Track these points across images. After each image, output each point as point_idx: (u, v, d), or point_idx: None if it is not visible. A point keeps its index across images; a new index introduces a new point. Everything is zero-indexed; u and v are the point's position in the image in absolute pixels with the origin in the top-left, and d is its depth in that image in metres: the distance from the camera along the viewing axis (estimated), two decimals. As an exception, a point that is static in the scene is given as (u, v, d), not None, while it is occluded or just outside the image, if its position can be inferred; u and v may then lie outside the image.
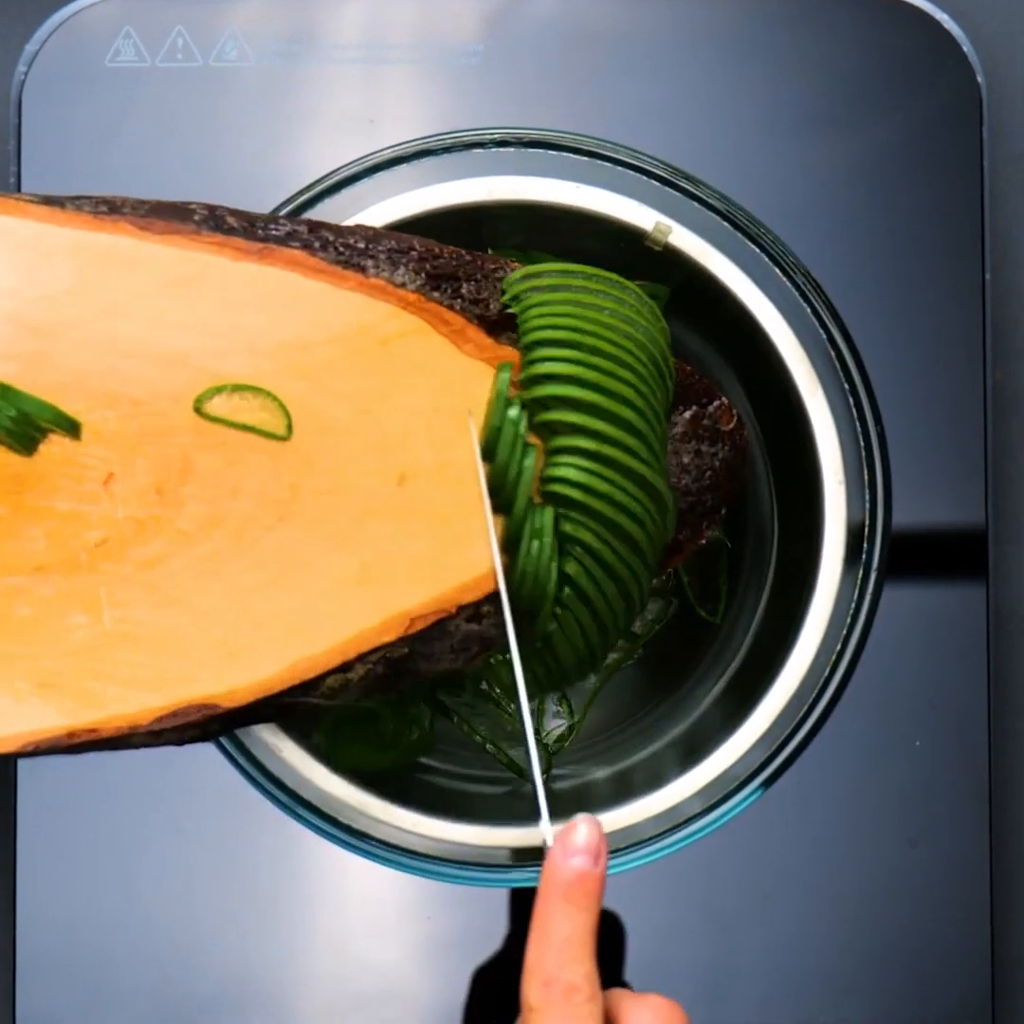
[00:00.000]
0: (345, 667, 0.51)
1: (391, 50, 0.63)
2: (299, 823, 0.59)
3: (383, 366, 0.51)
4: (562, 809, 0.60)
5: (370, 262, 0.51)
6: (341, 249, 0.51)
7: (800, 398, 0.59)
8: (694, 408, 0.55)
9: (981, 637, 0.62)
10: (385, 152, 0.59)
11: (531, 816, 0.59)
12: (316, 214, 0.58)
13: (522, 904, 0.62)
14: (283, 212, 0.58)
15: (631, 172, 0.59)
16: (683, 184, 0.60)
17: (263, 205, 0.59)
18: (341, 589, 0.51)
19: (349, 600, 0.51)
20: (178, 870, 0.62)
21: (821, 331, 0.59)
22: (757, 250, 0.59)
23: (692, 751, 0.59)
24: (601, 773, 0.62)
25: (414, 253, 0.52)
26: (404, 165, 0.59)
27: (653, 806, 0.59)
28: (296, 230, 0.51)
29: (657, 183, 0.59)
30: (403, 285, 0.51)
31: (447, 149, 0.59)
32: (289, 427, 0.50)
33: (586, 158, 0.60)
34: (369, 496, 0.51)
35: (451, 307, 0.52)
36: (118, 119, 0.63)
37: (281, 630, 0.50)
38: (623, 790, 0.60)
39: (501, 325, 0.52)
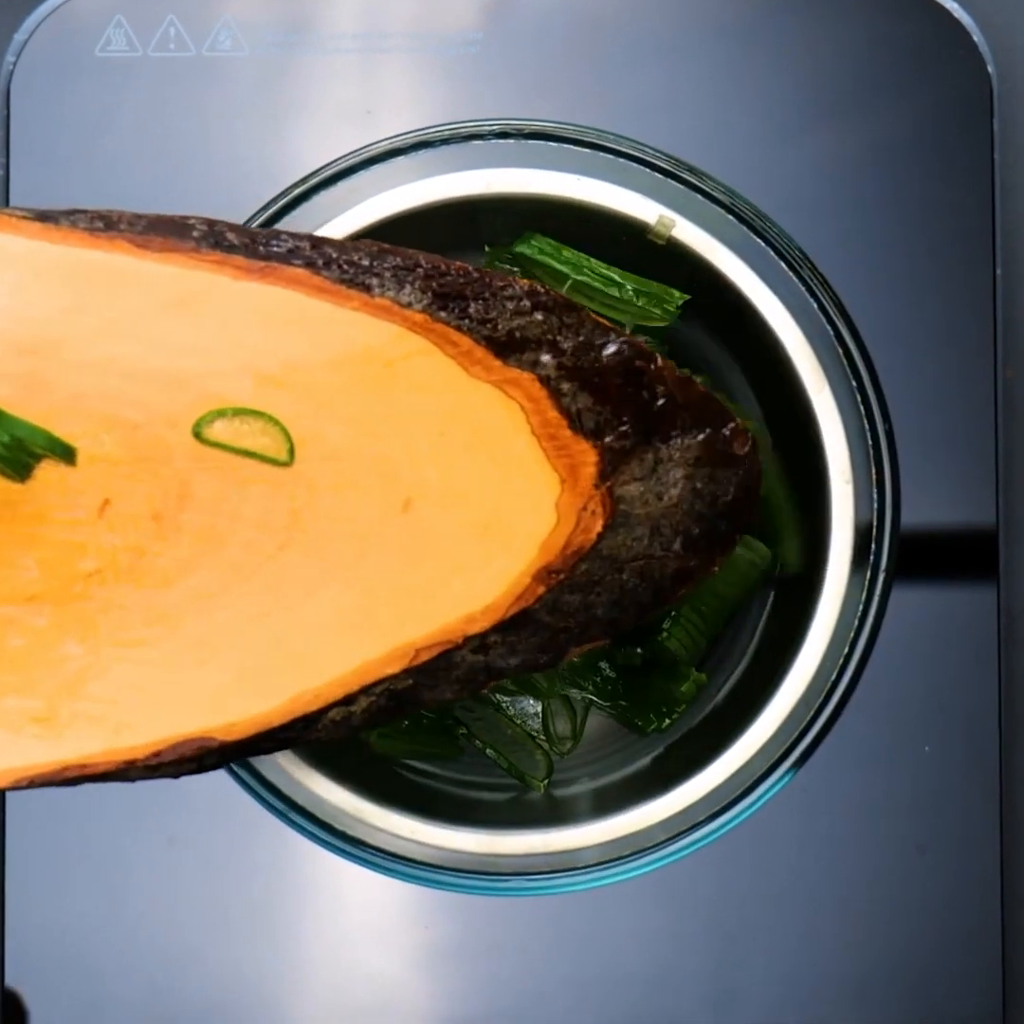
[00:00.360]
0: (347, 700, 0.50)
1: (389, 40, 0.63)
2: (293, 830, 0.58)
3: (388, 388, 0.50)
4: (565, 815, 0.60)
5: (375, 281, 0.50)
6: (345, 267, 0.50)
7: (806, 395, 0.58)
8: (708, 431, 0.54)
9: (992, 640, 0.61)
10: (382, 144, 0.59)
11: (536, 822, 0.59)
12: (312, 207, 0.58)
13: (523, 912, 0.61)
14: (278, 205, 0.58)
15: (634, 164, 0.59)
16: (687, 177, 0.59)
17: (257, 198, 0.58)
18: (344, 619, 0.50)
19: (352, 631, 0.50)
20: (169, 879, 0.61)
21: (828, 327, 0.59)
22: (762, 244, 0.59)
23: (696, 757, 0.59)
24: (603, 780, 0.62)
25: (420, 270, 0.50)
26: (402, 157, 0.58)
27: (657, 812, 0.58)
28: (298, 247, 0.50)
29: (660, 176, 0.59)
30: (409, 305, 0.50)
31: (445, 141, 0.59)
32: (291, 452, 0.49)
33: (588, 150, 0.59)
34: (373, 523, 0.50)
35: (458, 327, 0.50)
36: (109, 111, 0.62)
37: (282, 661, 0.49)
38: (626, 797, 0.59)
39: (509, 347, 0.51)
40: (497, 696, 0.62)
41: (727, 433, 0.54)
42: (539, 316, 0.52)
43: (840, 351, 0.58)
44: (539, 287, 0.52)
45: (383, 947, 0.62)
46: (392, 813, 0.58)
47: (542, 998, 0.61)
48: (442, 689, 0.51)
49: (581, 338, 0.52)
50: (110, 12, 0.62)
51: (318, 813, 0.58)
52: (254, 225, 0.58)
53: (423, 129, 0.59)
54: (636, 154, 0.59)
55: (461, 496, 0.50)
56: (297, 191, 0.58)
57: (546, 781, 0.62)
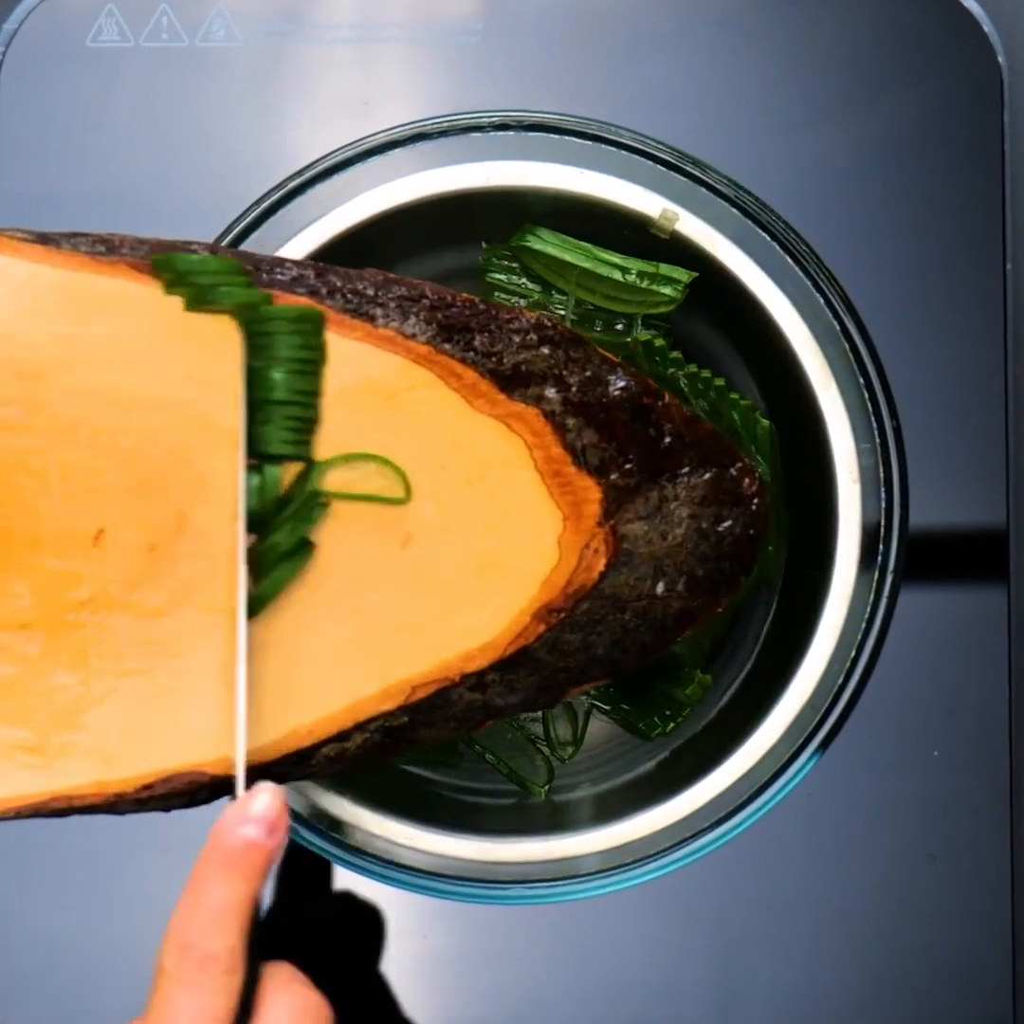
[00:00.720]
0: (342, 736, 0.49)
1: (386, 29, 0.62)
2: (289, 836, 0.57)
3: (389, 421, 0.49)
4: (566, 822, 0.59)
5: (379, 311, 0.50)
6: (349, 296, 0.49)
7: (813, 392, 0.58)
8: (715, 470, 0.53)
9: (1002, 642, 0.61)
10: (379, 136, 0.58)
11: (536, 829, 0.58)
12: (307, 201, 0.57)
13: (524, 920, 0.61)
14: (273, 199, 0.57)
15: (636, 157, 0.58)
16: (690, 169, 0.59)
17: (252, 192, 0.58)
18: (339, 655, 0.49)
19: (347, 666, 0.49)
20: (163, 888, 0.61)
21: (835, 322, 0.58)
22: (767, 238, 0.58)
23: (701, 762, 0.58)
24: (604, 786, 0.61)
25: (425, 301, 0.50)
26: (399, 149, 0.58)
27: (661, 818, 0.58)
28: (302, 274, 0.49)
29: (663, 168, 0.58)
30: (413, 336, 0.50)
31: (443, 133, 0.58)
32: (408, 489, 0.49)
33: (590, 142, 0.59)
34: (371, 557, 0.49)
35: (463, 360, 0.50)
36: (100, 102, 0.61)
37: (276, 696, 0.49)
38: (628, 803, 0.59)
39: (514, 381, 0.51)
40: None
41: (734, 472, 0.53)
42: (546, 350, 0.51)
43: (847, 347, 0.58)
44: (546, 320, 0.51)
45: (381, 956, 0.61)
46: (390, 819, 0.58)
47: (543, 1007, 0.61)
48: (439, 727, 0.51)
49: (588, 373, 0.51)
50: (101, 1, 0.61)
51: (315, 821, 0.57)
52: (248, 220, 0.58)
53: (421, 121, 0.58)
54: (639, 147, 0.59)
55: (461, 532, 0.50)
56: (292, 184, 0.57)
57: (547, 787, 0.61)
